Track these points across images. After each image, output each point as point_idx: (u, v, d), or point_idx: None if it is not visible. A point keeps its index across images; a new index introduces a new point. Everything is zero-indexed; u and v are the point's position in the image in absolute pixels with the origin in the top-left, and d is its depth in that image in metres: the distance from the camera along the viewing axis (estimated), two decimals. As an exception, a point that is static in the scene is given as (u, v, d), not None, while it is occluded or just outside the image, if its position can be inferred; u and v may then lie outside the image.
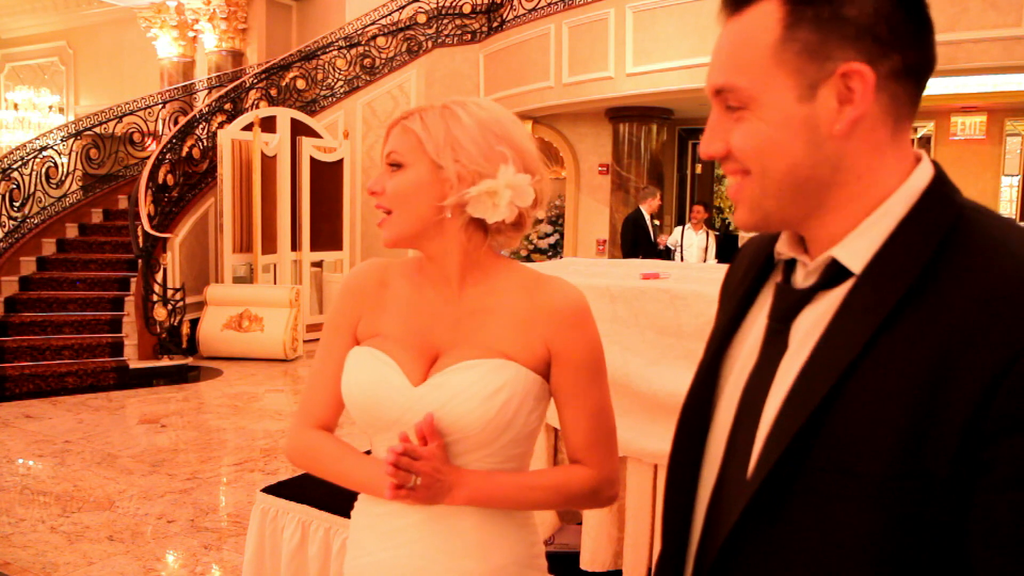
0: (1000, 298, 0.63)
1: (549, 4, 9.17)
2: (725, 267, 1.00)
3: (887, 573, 0.66)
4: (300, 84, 10.17)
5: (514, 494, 1.17)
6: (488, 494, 1.15)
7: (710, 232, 8.94)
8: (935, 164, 0.75)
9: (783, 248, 0.81)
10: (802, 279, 0.78)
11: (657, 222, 8.80)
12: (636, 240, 8.37)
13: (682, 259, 8.58)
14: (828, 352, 0.70)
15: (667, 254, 8.67)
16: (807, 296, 0.76)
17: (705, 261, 8.53)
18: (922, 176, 0.74)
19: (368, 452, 1.26)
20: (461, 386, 1.13)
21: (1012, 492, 0.61)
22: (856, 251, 0.73)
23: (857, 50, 0.70)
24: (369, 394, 1.17)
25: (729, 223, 11.67)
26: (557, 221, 10.84)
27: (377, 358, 1.18)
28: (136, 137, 10.00)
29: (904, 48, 0.71)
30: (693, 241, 8.75)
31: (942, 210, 0.71)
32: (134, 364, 7.26)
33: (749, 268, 0.88)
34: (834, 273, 0.74)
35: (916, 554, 0.65)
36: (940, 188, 0.73)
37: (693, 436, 0.85)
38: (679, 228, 9.05)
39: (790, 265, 0.81)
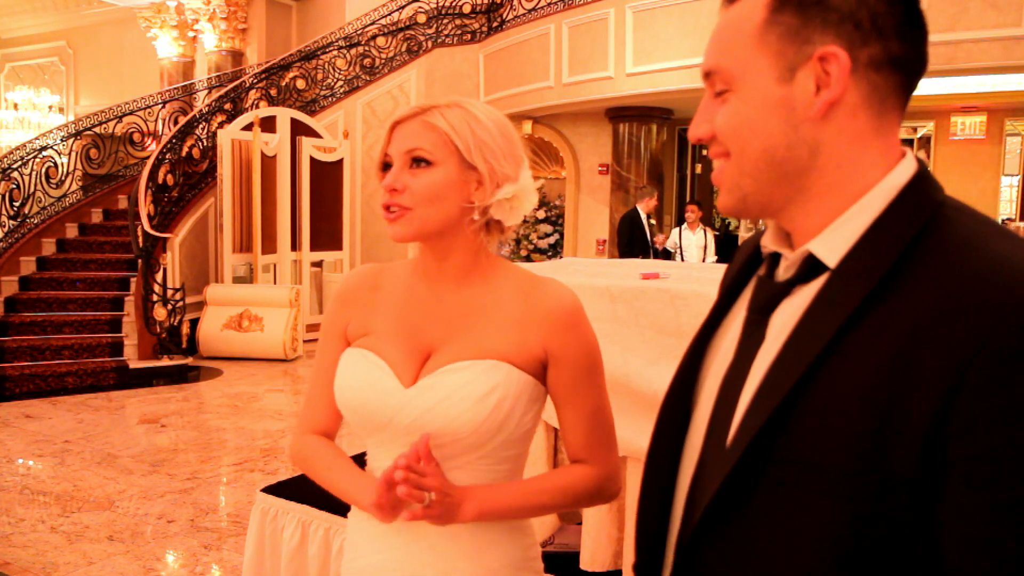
0: (962, 296, 0.63)
1: (549, 4, 9.17)
2: (725, 267, 1.01)
3: (848, 566, 0.67)
4: (300, 84, 10.17)
5: (522, 501, 1.16)
6: (496, 506, 1.13)
7: (708, 230, 8.93)
8: (918, 161, 0.76)
9: (767, 241, 0.83)
10: (783, 272, 0.79)
11: (653, 221, 8.81)
12: (632, 239, 8.38)
13: (682, 259, 8.58)
14: (797, 346, 0.71)
15: (667, 255, 8.67)
16: (785, 289, 0.77)
17: (705, 260, 8.52)
18: (903, 172, 0.74)
19: (363, 454, 1.26)
20: (452, 387, 1.12)
21: (980, 491, 0.61)
22: (832, 245, 0.73)
23: (837, 35, 0.71)
24: (360, 396, 1.17)
25: (729, 223, 11.67)
26: (557, 221, 10.84)
27: (368, 359, 1.18)
28: (136, 137, 10.00)
29: (887, 39, 0.72)
30: (691, 241, 8.75)
31: (919, 207, 0.72)
32: (134, 364, 7.26)
33: (740, 262, 0.90)
34: (811, 267, 0.75)
35: (877, 549, 0.66)
36: (920, 185, 0.73)
37: (672, 426, 0.86)
38: (676, 229, 9.04)
39: (776, 259, 0.82)
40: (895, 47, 0.72)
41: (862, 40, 0.71)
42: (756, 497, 0.72)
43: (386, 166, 1.18)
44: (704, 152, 11.03)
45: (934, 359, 0.63)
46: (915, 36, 0.73)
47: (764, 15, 0.74)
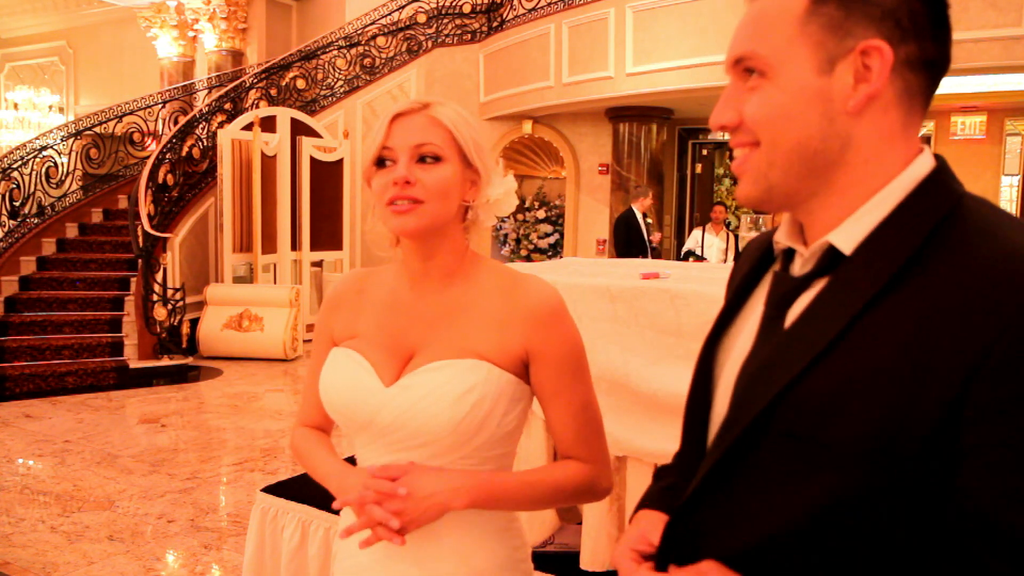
0: (983, 284, 0.64)
1: (549, 4, 9.16)
2: (725, 266, 1.01)
3: (835, 534, 0.69)
4: (300, 84, 10.17)
5: (517, 492, 1.15)
6: (491, 494, 1.12)
7: (730, 233, 8.88)
8: (937, 156, 0.76)
9: (781, 237, 0.83)
10: (799, 268, 0.80)
11: (650, 220, 8.80)
12: (629, 240, 8.37)
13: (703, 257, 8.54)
14: (812, 325, 0.72)
15: (690, 256, 8.63)
16: (803, 283, 0.77)
17: (725, 261, 8.48)
18: (922, 165, 0.75)
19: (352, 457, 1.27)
20: (430, 387, 1.12)
21: (999, 478, 0.62)
22: (851, 235, 0.74)
23: (878, 30, 0.72)
24: (343, 395, 1.17)
25: (729, 223, 11.64)
26: (557, 221, 10.83)
27: (351, 359, 1.18)
28: (136, 137, 10.00)
29: (922, 39, 0.73)
30: (713, 243, 8.72)
31: (939, 198, 0.72)
32: (134, 364, 7.26)
33: (751, 261, 0.90)
34: (830, 259, 0.75)
35: (867, 521, 0.67)
36: (940, 177, 0.74)
37: (695, 425, 0.87)
38: (697, 231, 9.00)
39: (789, 256, 0.82)
40: (929, 47, 0.73)
41: (901, 38, 0.72)
42: (752, 469, 0.74)
43: (380, 160, 1.15)
44: (704, 152, 11.02)
45: (953, 345, 0.63)
46: (945, 38, 0.75)
47: (806, 5, 0.74)
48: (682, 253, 8.85)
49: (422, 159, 1.13)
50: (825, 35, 0.73)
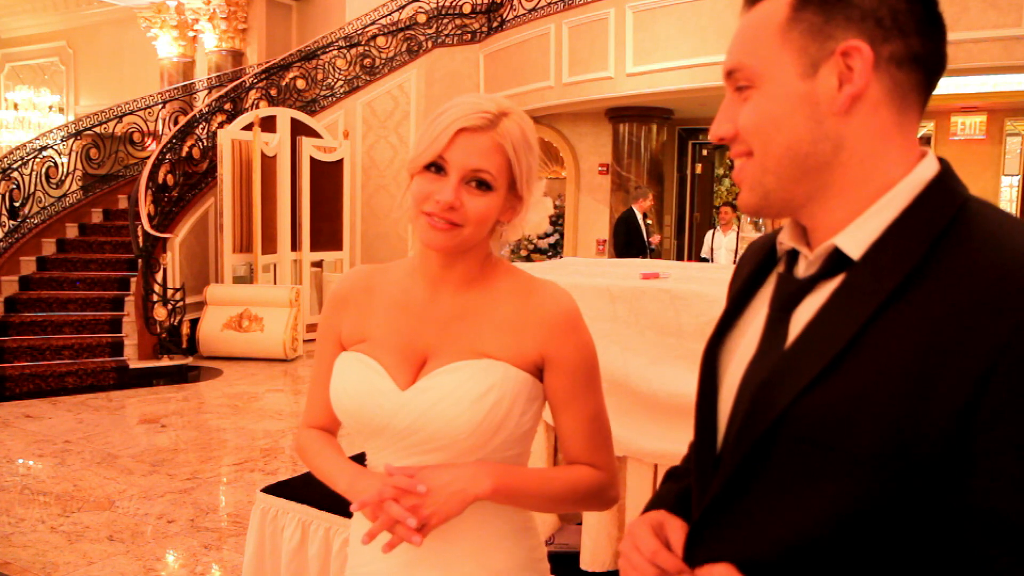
0: (991, 288, 0.64)
1: (549, 4, 9.16)
2: (725, 267, 1.01)
3: (851, 539, 0.69)
4: (300, 84, 10.17)
5: (535, 486, 1.14)
6: (509, 483, 1.10)
7: (739, 234, 8.90)
8: (941, 160, 0.77)
9: (785, 238, 0.83)
10: (804, 270, 0.80)
11: (650, 221, 8.81)
12: (629, 240, 8.39)
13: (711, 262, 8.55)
14: (822, 333, 0.72)
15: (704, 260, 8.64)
16: (808, 286, 0.78)
17: (735, 263, 8.46)
18: (928, 169, 0.75)
19: (362, 455, 1.26)
20: (449, 388, 1.11)
21: (1010, 481, 0.62)
22: (857, 239, 0.74)
23: (859, 31, 0.73)
24: (356, 400, 1.16)
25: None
26: (557, 221, 10.84)
27: (363, 363, 1.17)
28: (136, 137, 10.00)
29: (907, 35, 0.73)
30: (722, 243, 8.73)
31: (946, 201, 0.73)
32: (134, 364, 7.26)
33: (753, 263, 0.90)
34: (835, 262, 0.75)
35: (881, 525, 0.67)
36: (946, 181, 0.74)
37: (705, 427, 0.87)
38: (710, 233, 9.04)
39: (793, 257, 0.82)
40: (916, 44, 0.74)
41: (883, 37, 0.73)
42: (765, 477, 0.74)
43: (432, 166, 1.11)
44: (704, 153, 11.02)
45: (964, 349, 0.64)
46: (935, 34, 0.75)
47: (787, 13, 0.75)
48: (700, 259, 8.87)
49: (475, 182, 1.10)
50: (807, 40, 0.74)
